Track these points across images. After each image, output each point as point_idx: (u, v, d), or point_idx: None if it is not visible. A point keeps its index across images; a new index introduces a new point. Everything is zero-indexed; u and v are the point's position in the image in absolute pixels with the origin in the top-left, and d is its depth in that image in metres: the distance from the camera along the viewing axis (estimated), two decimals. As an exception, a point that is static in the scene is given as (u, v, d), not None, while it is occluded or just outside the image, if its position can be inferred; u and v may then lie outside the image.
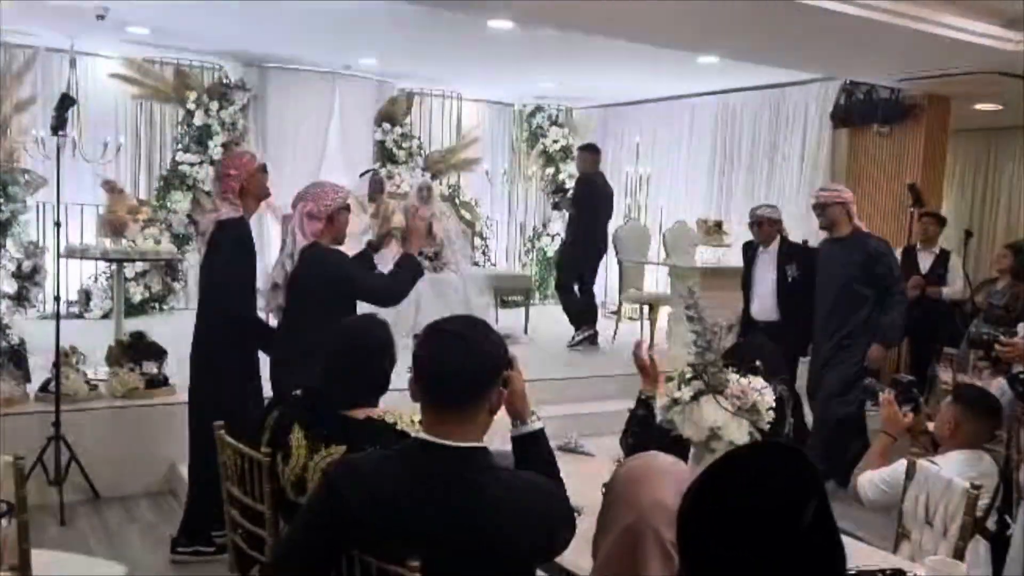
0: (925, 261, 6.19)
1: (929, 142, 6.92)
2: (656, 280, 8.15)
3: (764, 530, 0.91)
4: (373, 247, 3.84)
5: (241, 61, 7.95)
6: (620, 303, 7.72)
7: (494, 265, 9.13)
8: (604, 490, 1.67)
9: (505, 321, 7.11)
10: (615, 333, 7.44)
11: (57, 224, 4.25)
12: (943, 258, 6.21)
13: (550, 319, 7.95)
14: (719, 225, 6.86)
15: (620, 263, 7.73)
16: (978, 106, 7.38)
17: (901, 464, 2.74)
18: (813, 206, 4.88)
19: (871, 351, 4.66)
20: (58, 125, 4.08)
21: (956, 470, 2.62)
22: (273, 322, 3.55)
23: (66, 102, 4.14)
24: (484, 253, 9.21)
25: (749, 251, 5.41)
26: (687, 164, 8.82)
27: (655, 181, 8.98)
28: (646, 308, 7.46)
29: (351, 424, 2.05)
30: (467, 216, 8.55)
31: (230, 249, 3.46)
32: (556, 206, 7.61)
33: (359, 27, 6.27)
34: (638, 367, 2.52)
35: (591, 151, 6.96)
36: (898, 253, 6.29)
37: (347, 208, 3.37)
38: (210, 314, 3.56)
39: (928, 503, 2.50)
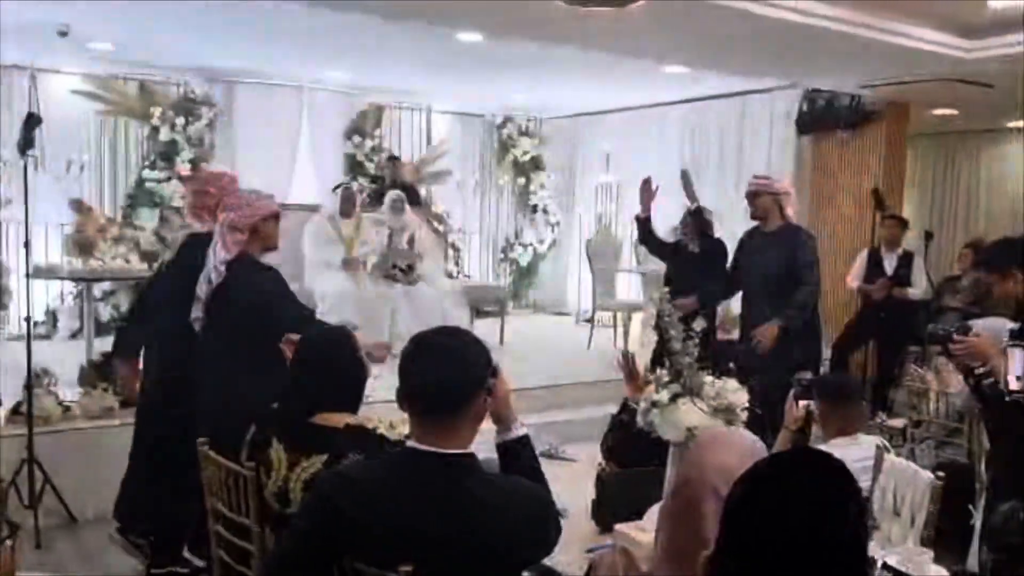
0: (890, 263, 6.35)
1: (889, 147, 7.10)
2: (628, 287, 8.23)
3: (808, 535, 0.96)
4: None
5: (207, 76, 7.90)
6: (594, 311, 7.78)
7: (468, 277, 9.15)
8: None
9: (480, 332, 7.12)
10: (590, 340, 7.50)
11: (26, 244, 4.20)
12: (907, 259, 6.37)
13: (525, 329, 7.99)
14: (689, 232, 6.92)
15: (593, 271, 7.80)
16: (936, 111, 7.59)
17: None
18: (745, 194, 4.65)
19: (763, 330, 4.24)
20: (25, 145, 4.04)
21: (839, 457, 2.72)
22: None
23: (32, 121, 4.10)
24: (457, 264, 9.23)
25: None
26: (657, 172, 8.88)
27: (625, 190, 9.07)
28: (620, 315, 7.54)
29: (329, 432, 2.05)
30: (440, 228, 8.58)
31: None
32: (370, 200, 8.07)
33: (327, 40, 6.27)
34: (625, 374, 2.57)
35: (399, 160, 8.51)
36: (863, 256, 6.47)
37: (275, 217, 3.21)
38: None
39: (896, 493, 2.58)
